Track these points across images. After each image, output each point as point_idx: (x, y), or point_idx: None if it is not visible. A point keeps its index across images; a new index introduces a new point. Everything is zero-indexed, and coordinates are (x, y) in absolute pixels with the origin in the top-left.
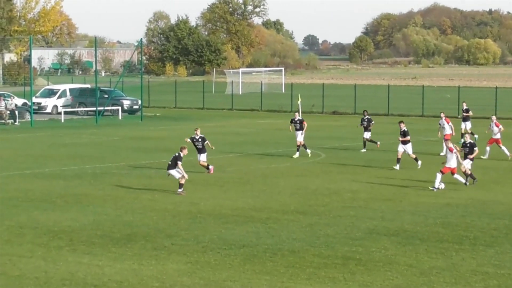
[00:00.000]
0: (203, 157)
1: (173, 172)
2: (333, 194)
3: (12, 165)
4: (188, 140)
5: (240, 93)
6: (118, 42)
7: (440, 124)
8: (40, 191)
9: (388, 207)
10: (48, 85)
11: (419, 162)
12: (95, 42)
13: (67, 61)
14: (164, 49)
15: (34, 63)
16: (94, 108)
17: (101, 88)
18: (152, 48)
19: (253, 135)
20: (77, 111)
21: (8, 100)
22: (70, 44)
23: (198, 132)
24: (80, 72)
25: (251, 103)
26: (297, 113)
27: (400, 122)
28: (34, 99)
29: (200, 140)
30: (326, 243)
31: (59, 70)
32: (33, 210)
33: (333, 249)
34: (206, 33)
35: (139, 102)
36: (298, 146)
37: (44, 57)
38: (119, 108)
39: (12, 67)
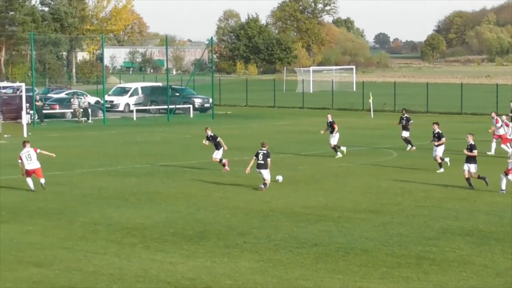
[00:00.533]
0: (215, 154)
1: (264, 172)
2: (406, 193)
3: (85, 162)
4: (207, 142)
5: (311, 91)
6: (189, 40)
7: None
8: (113, 188)
9: (462, 206)
10: (120, 83)
11: (441, 170)
12: (166, 41)
13: (139, 59)
14: (234, 47)
15: (106, 61)
16: (166, 106)
17: (173, 86)
18: (223, 46)
19: (324, 134)
20: (149, 109)
21: (81, 98)
22: (142, 43)
23: (209, 131)
24: (152, 71)
25: (322, 101)
26: (329, 115)
27: (435, 123)
28: (107, 97)
29: (211, 139)
30: (399, 242)
31: (131, 69)
32: (107, 207)
33: (406, 248)
34: (276, 31)
35: (210, 100)
36: (334, 147)
37: (116, 55)
38: (191, 106)
39: (85, 65)
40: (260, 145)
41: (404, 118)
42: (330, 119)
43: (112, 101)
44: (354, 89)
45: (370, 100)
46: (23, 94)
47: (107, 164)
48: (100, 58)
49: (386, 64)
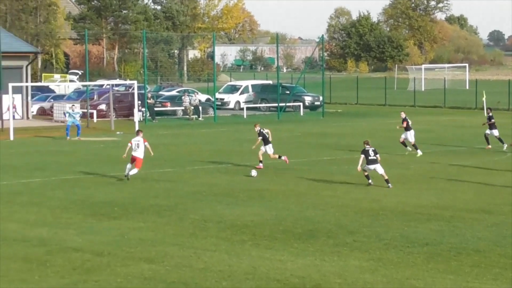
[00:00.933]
0: (268, 150)
1: (378, 167)
2: None
3: (196, 159)
4: (260, 138)
5: (423, 90)
6: (300, 38)
7: None
8: (224, 185)
9: None
10: (230, 81)
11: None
12: (277, 39)
13: (249, 57)
14: (345, 45)
15: (217, 59)
16: (276, 104)
17: (283, 84)
18: (334, 44)
19: (436, 132)
20: (259, 107)
21: (192, 96)
22: (252, 41)
23: (258, 127)
24: (262, 69)
25: (433, 99)
26: (402, 112)
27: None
28: (217, 95)
29: (260, 134)
30: None
31: (241, 67)
32: (217, 204)
33: None
34: (388, 29)
35: (321, 98)
36: (413, 145)
37: (226, 53)
38: (301, 104)
39: (196, 63)
40: (364, 144)
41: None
42: (403, 116)
43: (223, 99)
44: (467, 87)
45: (484, 99)
46: (135, 91)
47: (217, 161)
48: (211, 56)
49: (501, 62)
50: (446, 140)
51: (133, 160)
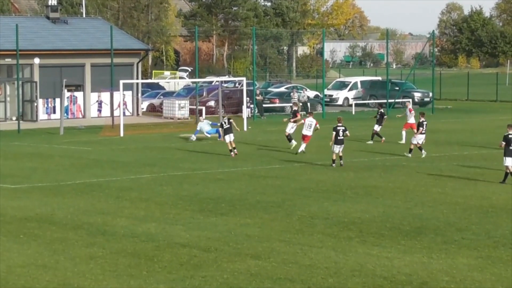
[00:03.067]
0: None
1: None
2: None
3: (303, 156)
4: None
5: None
6: (410, 34)
7: None
8: (331, 182)
9: None
10: (339, 77)
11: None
12: (387, 35)
13: (359, 53)
14: (456, 40)
15: (326, 55)
16: (385, 100)
17: (392, 80)
18: (444, 40)
19: None
20: (368, 103)
21: (300, 93)
22: (362, 37)
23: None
24: (371, 65)
25: None
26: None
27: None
28: (326, 91)
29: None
30: None
31: (351, 63)
32: (324, 201)
33: None
34: (501, 24)
35: (430, 94)
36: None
37: (336, 49)
38: (410, 100)
39: (305, 59)
40: (337, 121)
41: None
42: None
43: (331, 95)
44: None
45: None
46: (244, 88)
47: (325, 158)
48: (321, 52)
49: None
50: None
51: (303, 138)
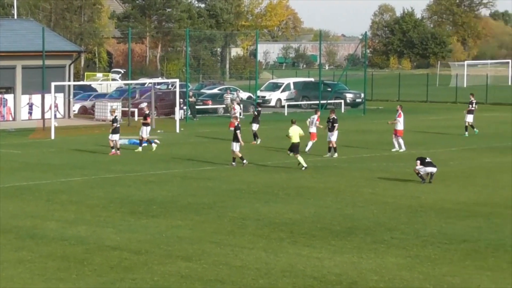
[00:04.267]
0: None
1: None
2: None
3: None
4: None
5: (465, 86)
6: (343, 35)
7: None
8: (263, 183)
9: None
10: (272, 78)
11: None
12: (320, 36)
13: (292, 55)
14: (388, 42)
15: (260, 57)
16: (317, 102)
17: (325, 81)
18: (377, 41)
19: (477, 129)
20: (300, 104)
21: (233, 94)
22: (295, 38)
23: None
24: (304, 66)
25: (475, 96)
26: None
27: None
28: (259, 93)
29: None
30: None
31: (284, 64)
32: (255, 202)
33: None
34: (432, 25)
35: (362, 95)
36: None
37: (269, 51)
38: (342, 101)
39: (238, 61)
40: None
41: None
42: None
43: (264, 97)
44: (510, 83)
45: None
46: (177, 90)
47: (257, 159)
48: (254, 54)
49: None
50: (488, 137)
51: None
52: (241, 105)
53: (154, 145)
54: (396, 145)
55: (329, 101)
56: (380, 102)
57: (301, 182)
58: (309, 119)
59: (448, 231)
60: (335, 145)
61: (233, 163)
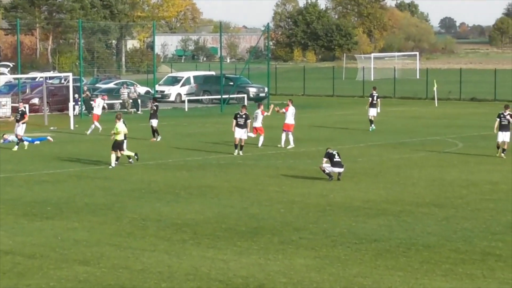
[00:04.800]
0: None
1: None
2: (471, 185)
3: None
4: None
5: (372, 79)
6: (244, 27)
7: None
8: (164, 182)
9: None
10: (171, 72)
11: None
12: (220, 28)
13: (191, 47)
14: (292, 33)
15: (158, 49)
16: (219, 96)
17: (226, 75)
18: (280, 33)
19: (385, 124)
20: (202, 99)
21: (130, 89)
22: (195, 30)
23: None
24: (205, 59)
25: (383, 89)
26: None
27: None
28: (157, 87)
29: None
30: (463, 237)
31: (183, 57)
32: (156, 202)
33: (470, 244)
34: (336, 16)
35: (266, 89)
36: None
37: (167, 43)
38: (245, 96)
39: (135, 54)
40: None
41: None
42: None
43: (163, 91)
44: (418, 77)
45: (435, 88)
46: (70, 84)
47: (157, 157)
48: (151, 46)
49: (452, 50)
50: (396, 132)
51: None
52: (139, 100)
53: (22, 144)
54: (283, 141)
55: (231, 96)
56: (285, 96)
57: (204, 181)
58: (254, 115)
59: (358, 231)
60: (243, 143)
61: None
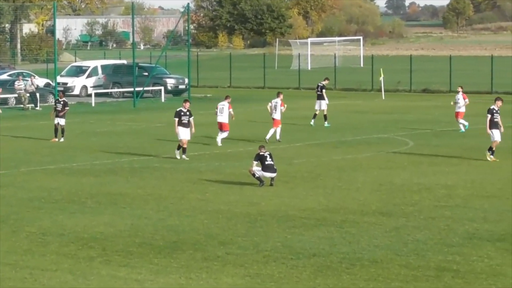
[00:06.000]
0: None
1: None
2: (424, 190)
3: (33, 158)
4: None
5: (309, 68)
6: (160, 8)
7: (456, 100)
8: (67, 190)
9: (492, 205)
10: (75, 61)
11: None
12: (133, 9)
13: (99, 32)
14: (216, 15)
15: (59, 35)
16: (132, 89)
17: (140, 64)
18: (202, 15)
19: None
20: (111, 92)
21: (27, 81)
22: (102, 12)
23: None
24: (115, 45)
25: (322, 80)
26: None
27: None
28: (59, 79)
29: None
30: (416, 250)
31: (89, 43)
32: (59, 213)
33: (424, 258)
34: None
35: (186, 80)
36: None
37: (70, 27)
38: (162, 88)
39: (32, 40)
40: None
41: None
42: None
43: (66, 83)
44: (362, 65)
45: (381, 78)
46: None
47: (59, 161)
48: (51, 31)
49: (401, 33)
50: (338, 129)
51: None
52: (38, 94)
53: None
54: (219, 140)
55: (146, 88)
56: (209, 89)
57: (114, 188)
58: (270, 104)
59: (294, 244)
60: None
61: None
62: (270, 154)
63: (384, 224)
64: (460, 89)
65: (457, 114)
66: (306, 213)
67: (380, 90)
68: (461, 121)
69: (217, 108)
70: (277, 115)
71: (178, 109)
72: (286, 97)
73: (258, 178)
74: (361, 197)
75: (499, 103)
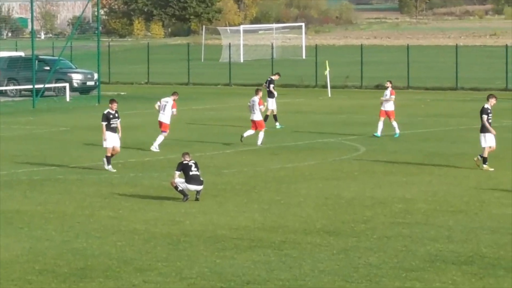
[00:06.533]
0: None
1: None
2: (378, 205)
3: None
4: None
5: (242, 61)
6: None
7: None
8: None
9: (458, 222)
10: None
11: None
12: None
13: None
14: None
15: None
16: (31, 86)
17: (40, 56)
18: None
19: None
20: (6, 90)
21: None
22: None
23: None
24: (10, 35)
25: (257, 75)
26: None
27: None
28: None
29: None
30: (368, 276)
31: None
32: None
33: (378, 285)
34: None
35: (95, 76)
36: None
37: None
38: (67, 85)
39: None
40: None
41: None
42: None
43: None
44: (304, 57)
45: (327, 72)
46: None
47: None
48: None
49: (350, 19)
50: (276, 133)
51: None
52: None
53: None
54: (156, 144)
55: (47, 85)
56: (122, 86)
57: (10, 205)
58: (249, 103)
59: (224, 270)
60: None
61: None
62: (195, 163)
63: (331, 245)
64: (389, 84)
65: (385, 113)
66: (239, 232)
67: (325, 86)
68: (394, 123)
69: (159, 103)
70: (257, 116)
71: (105, 111)
72: (214, 95)
73: (182, 192)
74: (304, 213)
75: (492, 100)
